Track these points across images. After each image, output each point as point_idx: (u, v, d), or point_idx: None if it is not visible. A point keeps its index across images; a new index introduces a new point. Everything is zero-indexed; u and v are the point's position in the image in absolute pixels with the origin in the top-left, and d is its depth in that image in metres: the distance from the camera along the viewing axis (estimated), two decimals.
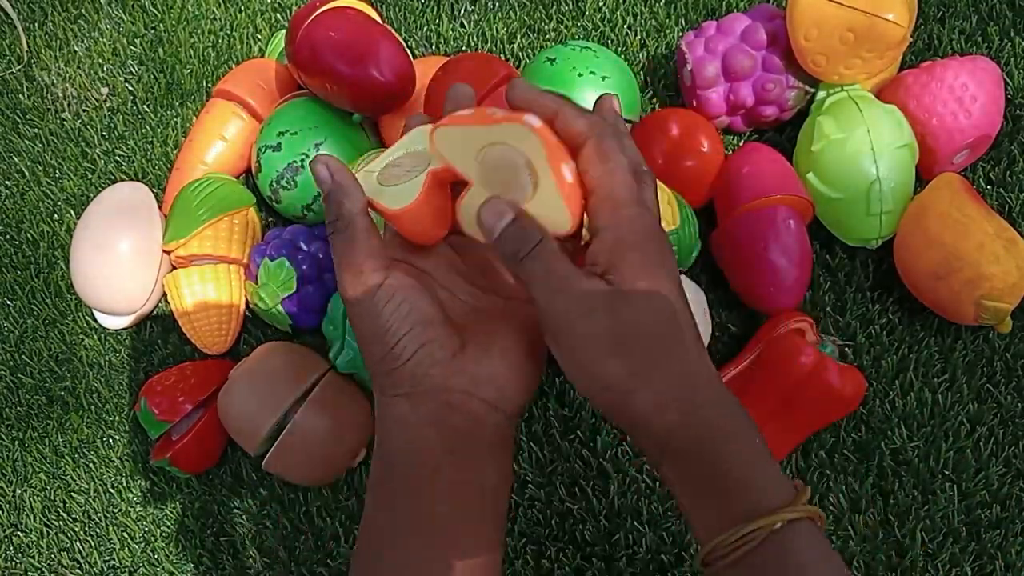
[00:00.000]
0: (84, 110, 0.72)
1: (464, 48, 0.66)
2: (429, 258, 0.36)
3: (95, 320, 0.66)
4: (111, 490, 0.63)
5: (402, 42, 0.57)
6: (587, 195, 0.30)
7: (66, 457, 0.65)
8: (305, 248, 0.57)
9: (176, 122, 0.69)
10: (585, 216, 0.31)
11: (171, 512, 0.62)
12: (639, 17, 0.64)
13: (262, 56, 0.69)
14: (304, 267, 0.56)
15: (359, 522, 0.58)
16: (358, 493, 0.58)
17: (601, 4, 0.65)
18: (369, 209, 0.33)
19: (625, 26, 0.64)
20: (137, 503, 0.63)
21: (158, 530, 0.62)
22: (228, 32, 0.70)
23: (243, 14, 0.71)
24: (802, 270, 0.54)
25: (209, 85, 0.69)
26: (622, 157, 0.31)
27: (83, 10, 0.74)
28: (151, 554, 0.62)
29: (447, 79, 0.50)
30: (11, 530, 0.65)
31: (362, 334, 0.33)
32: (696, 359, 0.31)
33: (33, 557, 0.64)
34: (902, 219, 0.53)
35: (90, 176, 0.69)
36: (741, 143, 0.61)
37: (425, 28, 0.67)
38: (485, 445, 0.34)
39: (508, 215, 0.30)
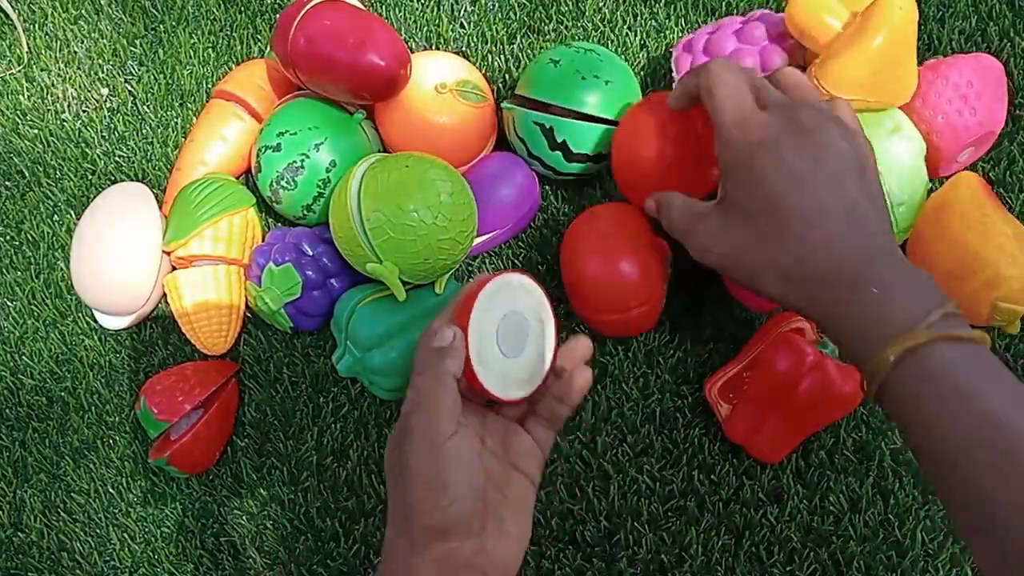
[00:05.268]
0: (84, 111, 0.72)
1: (464, 48, 0.66)
2: (472, 416, 0.38)
3: (95, 321, 0.66)
4: (111, 490, 0.63)
5: (391, 27, 0.57)
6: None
7: (66, 458, 0.65)
8: (310, 253, 0.57)
9: (176, 122, 0.69)
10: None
11: (171, 512, 0.62)
12: (639, 18, 0.64)
13: (262, 56, 0.69)
14: (309, 272, 0.56)
15: (358, 522, 0.58)
16: (358, 493, 0.58)
17: (601, 5, 0.65)
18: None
19: (625, 27, 0.64)
20: (137, 503, 0.63)
21: (158, 530, 0.62)
22: (228, 32, 0.71)
23: (243, 14, 0.71)
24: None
25: (209, 85, 0.69)
26: (715, 88, 0.40)
27: (83, 11, 0.74)
28: (151, 554, 0.62)
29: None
30: (11, 530, 0.65)
31: (415, 474, 0.33)
32: (806, 227, 0.35)
33: (33, 557, 0.64)
34: (919, 217, 0.52)
35: (90, 177, 0.69)
36: None
37: (425, 28, 0.67)
38: None
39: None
